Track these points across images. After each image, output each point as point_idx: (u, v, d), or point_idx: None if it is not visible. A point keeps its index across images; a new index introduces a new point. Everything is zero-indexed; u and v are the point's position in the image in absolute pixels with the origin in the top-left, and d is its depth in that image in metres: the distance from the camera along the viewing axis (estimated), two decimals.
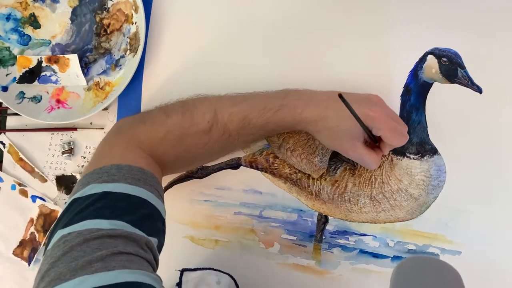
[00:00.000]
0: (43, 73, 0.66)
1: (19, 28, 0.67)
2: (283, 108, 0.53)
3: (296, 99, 0.54)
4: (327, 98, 0.53)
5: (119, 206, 0.44)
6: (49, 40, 0.67)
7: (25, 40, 0.67)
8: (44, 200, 0.67)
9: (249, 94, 0.57)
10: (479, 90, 0.58)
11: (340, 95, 0.48)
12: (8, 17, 0.66)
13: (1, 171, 0.69)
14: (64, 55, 0.66)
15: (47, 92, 0.67)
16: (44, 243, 0.67)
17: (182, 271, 0.59)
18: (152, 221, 0.47)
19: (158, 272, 0.62)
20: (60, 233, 0.42)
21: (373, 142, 0.54)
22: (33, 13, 0.67)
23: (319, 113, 0.52)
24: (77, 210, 0.43)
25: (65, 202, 0.48)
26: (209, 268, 0.59)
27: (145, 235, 0.44)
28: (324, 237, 0.61)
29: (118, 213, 0.43)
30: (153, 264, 0.43)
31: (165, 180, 0.65)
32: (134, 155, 0.52)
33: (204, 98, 0.57)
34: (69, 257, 0.39)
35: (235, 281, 0.59)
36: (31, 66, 0.66)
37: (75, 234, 0.41)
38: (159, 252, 0.48)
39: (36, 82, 0.66)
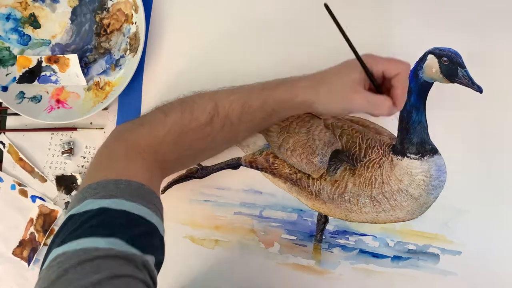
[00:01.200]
0: (43, 73, 0.66)
1: (19, 28, 0.67)
2: (280, 85, 0.53)
3: (293, 78, 0.54)
4: (323, 71, 0.53)
5: (116, 223, 0.43)
6: (49, 40, 0.67)
7: (25, 40, 0.67)
8: (43, 200, 0.67)
9: (243, 85, 0.57)
10: (479, 89, 0.57)
11: (325, 4, 0.46)
12: (8, 17, 0.66)
13: (1, 171, 0.69)
14: (64, 55, 0.66)
15: (47, 92, 0.67)
16: (45, 243, 0.67)
17: None
18: (149, 239, 0.46)
19: (159, 272, 0.62)
20: (55, 252, 0.41)
21: (376, 89, 0.50)
22: (33, 13, 0.67)
23: (316, 79, 0.52)
24: (73, 228, 0.42)
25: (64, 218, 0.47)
26: None
27: (141, 254, 0.42)
28: (324, 237, 0.61)
29: (115, 230, 0.42)
30: (149, 285, 0.41)
31: (165, 180, 0.65)
32: (135, 167, 0.50)
33: (202, 93, 0.57)
34: (64, 281, 0.38)
35: None
36: (31, 66, 0.66)
37: (69, 254, 0.40)
38: (159, 269, 0.47)
39: (36, 82, 0.66)
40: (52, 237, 0.44)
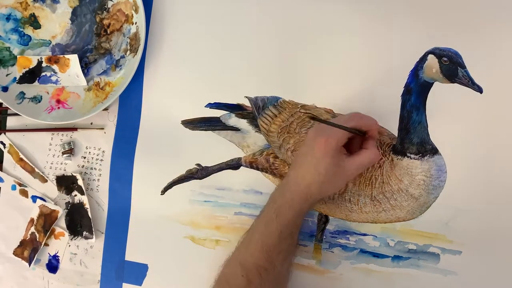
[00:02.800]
0: (43, 73, 0.66)
1: (19, 28, 0.67)
2: (279, 211, 0.53)
3: (281, 196, 0.54)
4: (295, 172, 0.54)
5: None
6: (49, 40, 0.67)
7: (25, 40, 0.67)
8: (44, 200, 0.67)
9: (249, 229, 0.57)
10: (479, 90, 0.58)
11: (311, 117, 0.50)
12: (8, 17, 0.66)
13: (2, 171, 0.69)
14: (64, 55, 0.66)
15: (47, 92, 0.67)
16: (45, 243, 0.67)
17: None
18: None
19: (159, 272, 0.62)
20: None
21: (362, 134, 0.54)
22: (33, 13, 0.67)
23: (304, 186, 0.52)
24: None
25: None
26: None
27: None
28: (324, 237, 0.61)
29: None
30: None
31: (164, 181, 0.65)
32: None
33: (226, 260, 0.57)
34: None
35: None
36: (31, 66, 0.66)
37: None
38: None
39: (36, 82, 0.66)
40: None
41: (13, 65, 0.67)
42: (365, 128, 0.53)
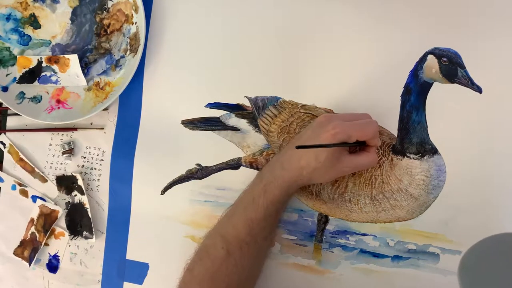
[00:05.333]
0: (43, 73, 0.66)
1: (19, 28, 0.67)
2: (266, 188, 0.54)
3: (270, 172, 0.55)
4: (292, 152, 0.54)
5: None
6: (49, 40, 0.67)
7: (25, 40, 0.67)
8: (44, 200, 0.67)
9: (234, 202, 0.58)
10: (479, 90, 0.58)
11: (297, 147, 0.49)
12: (8, 17, 0.66)
13: (2, 171, 0.69)
14: (64, 55, 0.66)
15: (47, 92, 0.67)
16: (45, 243, 0.67)
17: None
18: None
19: (160, 271, 0.62)
20: None
21: (360, 145, 0.54)
22: (33, 13, 0.67)
23: (296, 168, 0.53)
24: None
25: None
26: None
27: None
28: (324, 237, 0.61)
29: None
30: None
31: (164, 181, 0.65)
32: None
33: (207, 232, 0.58)
34: None
35: None
36: (31, 66, 0.66)
37: None
38: None
39: (36, 82, 0.66)
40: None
41: (13, 65, 0.67)
42: (364, 139, 0.53)
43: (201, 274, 0.55)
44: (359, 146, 0.55)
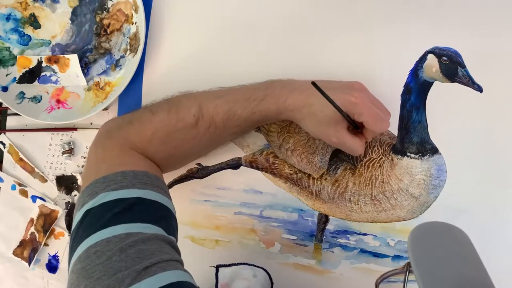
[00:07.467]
0: (43, 73, 0.66)
1: (19, 28, 0.67)
2: (266, 97, 0.54)
3: (280, 88, 0.54)
4: (310, 86, 0.52)
5: (137, 210, 0.44)
6: (49, 40, 0.67)
7: (25, 40, 0.67)
8: (44, 200, 0.67)
9: (233, 87, 0.58)
10: (479, 89, 0.58)
11: (313, 83, 0.48)
12: (8, 17, 0.66)
13: (1, 171, 0.69)
14: (64, 55, 0.66)
15: (47, 92, 0.67)
16: (45, 243, 0.67)
17: (217, 267, 0.61)
18: (168, 221, 0.47)
19: None
20: (85, 244, 0.41)
21: (355, 128, 0.54)
22: (33, 13, 0.67)
23: (302, 100, 0.52)
24: (95, 220, 0.43)
25: (74, 216, 0.47)
26: (244, 263, 0.62)
27: (170, 236, 0.44)
28: (324, 237, 0.61)
29: (138, 216, 0.43)
30: (183, 264, 0.44)
31: (165, 180, 0.65)
32: (133, 159, 0.52)
33: (188, 93, 0.58)
34: (110, 269, 0.38)
35: (269, 274, 0.61)
36: (31, 66, 0.66)
37: (104, 242, 0.40)
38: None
39: (36, 82, 0.66)
40: (72, 234, 0.45)
41: (13, 65, 0.66)
42: (369, 127, 0.52)
43: (161, 123, 0.54)
44: (353, 129, 0.54)
